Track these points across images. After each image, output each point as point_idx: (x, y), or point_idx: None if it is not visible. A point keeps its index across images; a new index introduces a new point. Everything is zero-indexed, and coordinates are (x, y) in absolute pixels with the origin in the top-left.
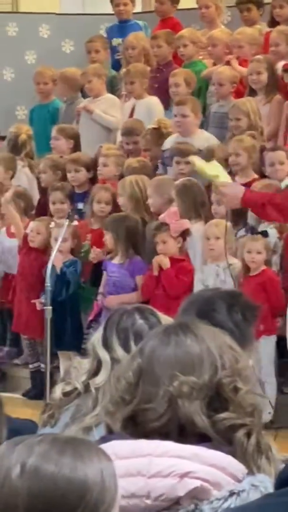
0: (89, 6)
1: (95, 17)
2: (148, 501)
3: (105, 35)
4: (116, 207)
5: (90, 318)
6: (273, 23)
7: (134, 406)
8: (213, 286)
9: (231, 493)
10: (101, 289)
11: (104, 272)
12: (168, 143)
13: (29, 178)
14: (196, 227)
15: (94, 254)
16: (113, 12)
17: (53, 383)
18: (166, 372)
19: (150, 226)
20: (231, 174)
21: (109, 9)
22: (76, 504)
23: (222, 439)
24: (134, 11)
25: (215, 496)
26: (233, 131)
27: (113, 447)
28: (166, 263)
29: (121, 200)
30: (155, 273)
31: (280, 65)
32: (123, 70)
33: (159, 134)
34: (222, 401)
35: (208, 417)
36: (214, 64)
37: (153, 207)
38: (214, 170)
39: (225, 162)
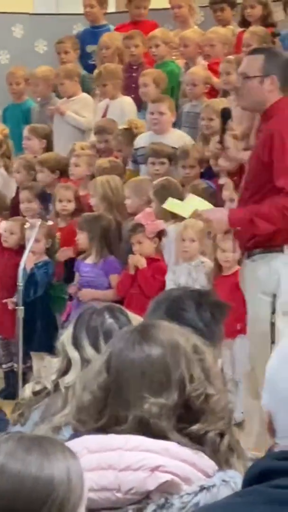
0: (62, 6)
1: (68, 17)
2: (119, 494)
3: (71, 35)
4: (80, 206)
5: (63, 318)
6: (243, 23)
7: (103, 424)
8: (185, 284)
9: (202, 488)
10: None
11: (77, 274)
12: (141, 141)
13: (5, 177)
14: (173, 228)
15: (61, 252)
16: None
17: (26, 383)
18: (134, 394)
19: (126, 226)
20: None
21: (82, 9)
22: (42, 502)
23: (195, 443)
24: (109, 11)
25: (185, 490)
26: (205, 131)
27: (84, 441)
28: (142, 262)
29: (93, 201)
30: (132, 272)
31: None
32: (99, 67)
33: (130, 134)
34: (194, 413)
35: (180, 431)
36: (186, 64)
37: (130, 208)
38: (189, 206)
39: (198, 164)
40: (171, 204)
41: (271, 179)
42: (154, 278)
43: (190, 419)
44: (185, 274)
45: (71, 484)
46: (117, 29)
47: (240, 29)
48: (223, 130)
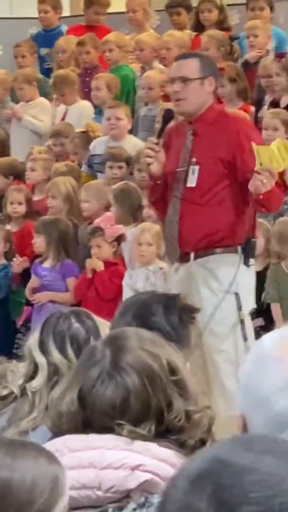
0: (16, 10)
1: (23, 21)
2: (99, 493)
3: (28, 39)
4: (31, 209)
5: (20, 323)
6: (197, 27)
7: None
8: (143, 289)
9: None
10: (28, 292)
11: (33, 275)
12: (97, 147)
13: None
14: (133, 232)
15: (18, 262)
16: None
17: None
18: (111, 422)
19: (85, 230)
20: None
21: (37, 12)
22: None
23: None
24: (63, 15)
25: None
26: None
27: (65, 441)
28: (99, 265)
29: (54, 202)
30: (89, 275)
31: None
32: (53, 75)
33: (87, 138)
34: (177, 431)
35: (163, 441)
36: (142, 69)
37: (88, 212)
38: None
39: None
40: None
41: (228, 177)
42: (111, 281)
43: (171, 434)
44: (143, 279)
45: (35, 489)
46: (69, 32)
47: (194, 33)
48: (161, 133)
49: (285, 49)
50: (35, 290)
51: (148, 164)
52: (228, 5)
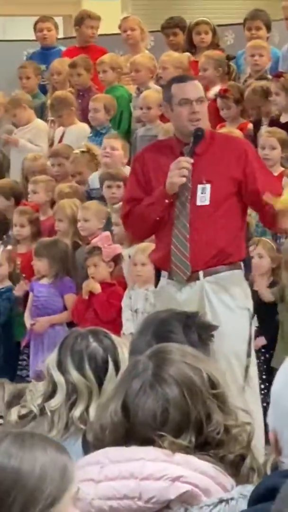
0: (10, 32)
1: (18, 43)
2: (140, 503)
3: (32, 61)
4: (37, 229)
5: (23, 344)
6: (189, 49)
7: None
8: (142, 310)
9: (221, 500)
10: (27, 312)
11: (31, 294)
12: (94, 181)
13: None
14: (126, 252)
15: (18, 287)
16: (35, 38)
17: None
18: (153, 433)
19: (83, 249)
20: None
21: (31, 35)
22: (6, 492)
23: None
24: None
25: (204, 502)
26: None
27: (106, 452)
28: (97, 288)
29: (61, 225)
30: (85, 297)
31: (215, 90)
32: (49, 97)
33: (89, 156)
34: (215, 444)
35: (201, 450)
36: (138, 90)
37: (87, 231)
38: None
39: None
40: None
41: (236, 195)
42: (109, 303)
43: (210, 448)
44: (142, 300)
45: (44, 478)
46: (64, 54)
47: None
48: (193, 152)
49: (280, 69)
50: (32, 309)
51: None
52: (223, 25)
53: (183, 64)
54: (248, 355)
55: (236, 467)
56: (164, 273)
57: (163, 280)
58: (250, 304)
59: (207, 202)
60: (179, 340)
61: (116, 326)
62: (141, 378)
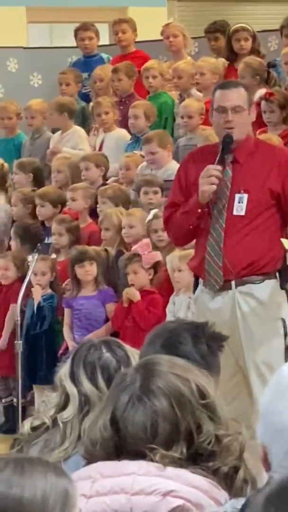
0: (56, 39)
1: (62, 50)
2: None
3: (73, 68)
4: (75, 238)
5: (60, 351)
6: (229, 56)
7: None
8: (184, 317)
9: None
10: (66, 329)
11: (67, 310)
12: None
13: (7, 211)
14: (168, 259)
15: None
16: (78, 46)
17: (26, 418)
18: (144, 446)
19: (123, 257)
20: None
21: (75, 41)
22: None
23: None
24: (100, 43)
25: None
26: None
27: (98, 467)
28: (136, 296)
29: (107, 234)
30: (125, 304)
31: (260, 92)
32: (93, 103)
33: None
34: (206, 456)
35: (193, 463)
36: (180, 96)
37: (132, 238)
38: None
39: None
40: None
41: (274, 206)
42: (149, 311)
43: (205, 459)
44: (184, 308)
45: (46, 504)
46: (112, 62)
47: (227, 62)
48: (222, 159)
49: None
50: (75, 323)
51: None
52: (266, 30)
53: (219, 70)
54: None
55: (230, 480)
56: (200, 281)
57: (199, 288)
58: (284, 313)
59: (243, 213)
60: (188, 351)
61: None
62: (129, 391)
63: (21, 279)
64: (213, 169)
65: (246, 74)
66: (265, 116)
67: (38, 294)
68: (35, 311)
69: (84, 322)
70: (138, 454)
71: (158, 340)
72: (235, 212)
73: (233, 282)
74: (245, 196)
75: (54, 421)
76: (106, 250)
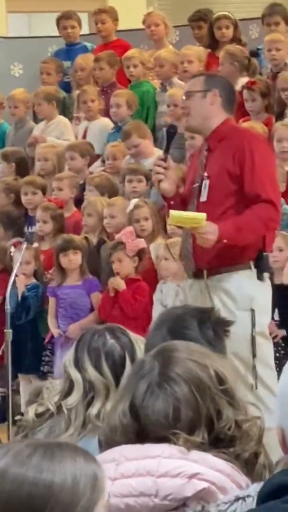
0: (35, 28)
1: (43, 40)
2: (156, 500)
3: (54, 57)
4: (59, 226)
5: (46, 340)
6: (211, 44)
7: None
8: (172, 305)
9: (237, 498)
10: (50, 318)
11: (52, 299)
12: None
13: None
14: (152, 247)
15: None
16: (60, 35)
17: (13, 406)
18: (167, 432)
19: (107, 245)
20: None
21: (56, 31)
22: (40, 507)
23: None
24: (81, 33)
25: (221, 499)
26: (191, 150)
27: (122, 450)
28: (121, 285)
29: (90, 220)
30: (111, 294)
31: (242, 81)
32: (77, 91)
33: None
34: (227, 441)
35: (218, 452)
36: (162, 85)
37: (112, 228)
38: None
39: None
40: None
41: (235, 192)
42: (135, 299)
43: (225, 445)
44: (172, 296)
45: (76, 490)
46: (94, 52)
47: (208, 50)
48: (167, 149)
49: None
50: (60, 312)
51: (159, 182)
52: (247, 19)
53: (202, 57)
54: (254, 355)
55: (250, 465)
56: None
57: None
58: (255, 303)
59: (205, 198)
60: (194, 336)
61: (143, 321)
62: (148, 378)
63: (4, 269)
64: (157, 160)
65: (225, 61)
66: (247, 104)
67: (21, 284)
68: (19, 301)
69: (69, 311)
70: (160, 439)
71: (164, 326)
72: (201, 199)
73: (205, 272)
74: (208, 182)
75: (59, 407)
76: (86, 238)
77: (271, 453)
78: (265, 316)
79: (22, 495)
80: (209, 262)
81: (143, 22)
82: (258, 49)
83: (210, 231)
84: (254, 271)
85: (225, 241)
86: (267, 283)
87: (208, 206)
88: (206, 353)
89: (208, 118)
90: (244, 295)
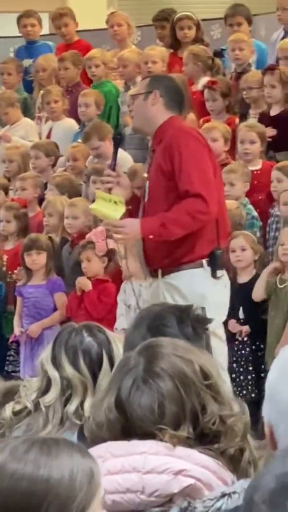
0: None
1: (4, 40)
2: (143, 496)
3: (14, 57)
4: (23, 225)
5: (11, 340)
6: (173, 44)
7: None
8: (134, 305)
9: (223, 494)
10: (16, 318)
11: (19, 299)
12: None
13: None
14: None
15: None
16: (21, 34)
17: None
18: (153, 427)
19: (68, 246)
20: None
21: (17, 31)
22: (38, 503)
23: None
24: (41, 33)
25: (207, 496)
26: None
27: (108, 446)
28: (87, 285)
29: (51, 220)
30: (78, 293)
31: (203, 81)
32: (40, 92)
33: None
34: (212, 436)
35: (204, 448)
36: (126, 85)
37: (74, 229)
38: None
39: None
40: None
41: (173, 189)
42: (100, 300)
43: (210, 440)
44: (136, 295)
45: (74, 485)
46: (56, 52)
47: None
48: (115, 156)
49: (267, 62)
50: (24, 311)
51: (109, 190)
52: (209, 19)
53: (165, 58)
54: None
55: (236, 462)
56: None
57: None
58: (206, 302)
59: (146, 199)
60: (174, 334)
61: (109, 322)
62: (133, 374)
63: None
64: (105, 170)
65: (188, 61)
66: (208, 104)
67: None
68: None
69: (32, 311)
70: (146, 435)
71: (143, 323)
72: (146, 199)
73: (159, 271)
74: (147, 182)
75: (36, 405)
76: (50, 238)
77: None
78: (218, 314)
79: (19, 491)
80: (161, 262)
81: (106, 22)
82: (222, 49)
83: (127, 226)
84: (207, 269)
85: (151, 236)
86: (223, 281)
87: (151, 205)
88: (190, 349)
89: (149, 118)
90: (194, 293)
